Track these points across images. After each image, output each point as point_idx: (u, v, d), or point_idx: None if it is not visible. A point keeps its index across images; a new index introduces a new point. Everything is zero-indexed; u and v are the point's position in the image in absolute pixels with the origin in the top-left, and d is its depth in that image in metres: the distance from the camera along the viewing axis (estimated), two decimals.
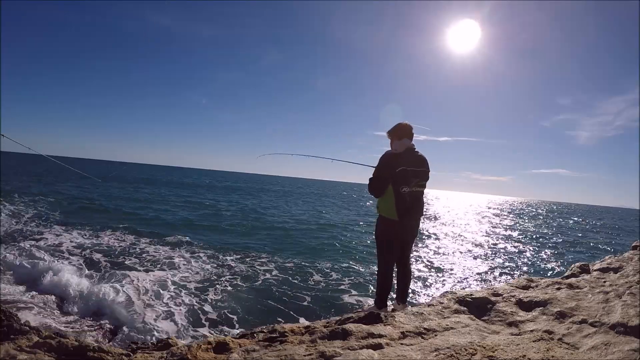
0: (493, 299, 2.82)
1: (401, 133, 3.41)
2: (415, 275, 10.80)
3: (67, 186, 32.01)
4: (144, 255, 11.46)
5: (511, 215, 47.84)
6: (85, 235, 13.37)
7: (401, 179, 3.23)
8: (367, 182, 3.39)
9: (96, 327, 6.48)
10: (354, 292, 9.44)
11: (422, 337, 2.31)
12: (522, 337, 2.24)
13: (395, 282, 3.58)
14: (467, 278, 11.82)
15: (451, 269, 12.70)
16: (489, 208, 66.27)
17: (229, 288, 9.05)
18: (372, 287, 9.90)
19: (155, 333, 6.38)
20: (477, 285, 11.16)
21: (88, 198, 24.62)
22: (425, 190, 3.51)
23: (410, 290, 3.74)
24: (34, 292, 7.54)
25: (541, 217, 49.59)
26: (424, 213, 3.54)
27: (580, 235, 29.37)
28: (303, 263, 12.06)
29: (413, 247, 3.71)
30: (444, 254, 15.24)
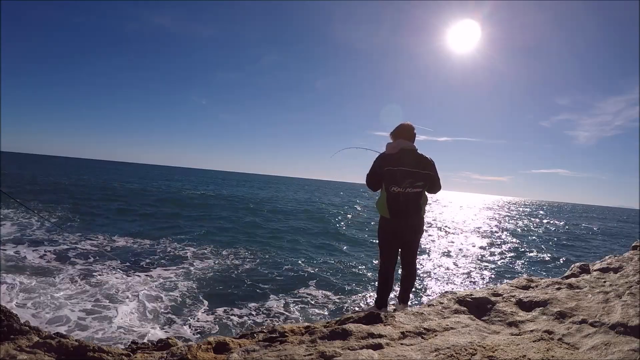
0: (493, 299, 2.82)
1: (398, 134, 3.43)
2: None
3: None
4: (135, 254, 11.47)
5: (511, 216, 47.83)
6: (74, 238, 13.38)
7: (389, 179, 3.26)
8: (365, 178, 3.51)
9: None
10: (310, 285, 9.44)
11: (422, 337, 2.30)
12: (522, 337, 2.24)
13: (399, 282, 3.58)
14: (467, 278, 11.82)
15: (451, 269, 12.70)
16: (489, 208, 66.25)
17: (226, 286, 9.06)
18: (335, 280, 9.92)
19: (155, 333, 6.39)
20: (477, 285, 11.16)
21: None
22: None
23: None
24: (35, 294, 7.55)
25: (541, 218, 49.58)
26: (424, 214, 3.52)
27: (580, 235, 29.36)
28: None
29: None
30: (444, 254, 15.24)
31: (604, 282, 2.89)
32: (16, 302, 6.94)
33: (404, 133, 3.41)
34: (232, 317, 7.47)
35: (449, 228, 25.27)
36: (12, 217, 15.16)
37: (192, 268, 10.48)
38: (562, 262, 15.88)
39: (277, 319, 7.47)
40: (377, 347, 2.16)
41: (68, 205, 20.60)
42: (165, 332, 6.50)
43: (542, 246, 20.42)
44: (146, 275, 9.41)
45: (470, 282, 11.47)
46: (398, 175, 3.24)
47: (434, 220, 30.19)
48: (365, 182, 3.47)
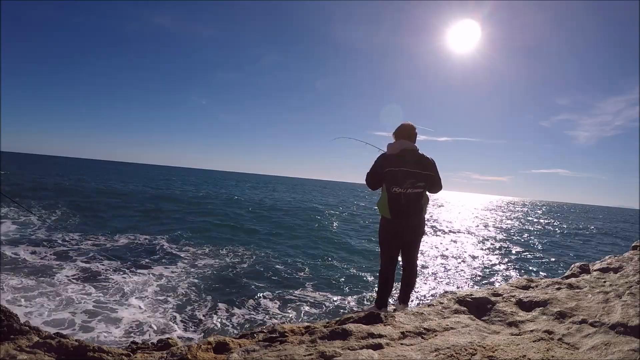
0: (493, 299, 2.82)
1: (399, 134, 3.43)
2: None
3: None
4: (135, 253, 11.47)
5: (511, 216, 47.84)
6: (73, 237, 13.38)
7: (391, 180, 3.26)
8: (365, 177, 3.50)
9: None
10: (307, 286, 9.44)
11: (422, 337, 2.30)
12: (522, 337, 2.24)
13: (400, 282, 3.58)
14: (467, 278, 11.82)
15: (451, 269, 12.70)
16: (489, 208, 66.26)
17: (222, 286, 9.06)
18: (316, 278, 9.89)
19: (155, 333, 6.39)
20: (477, 285, 11.16)
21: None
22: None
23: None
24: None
25: (540, 218, 49.59)
26: (426, 214, 3.52)
27: (579, 235, 29.37)
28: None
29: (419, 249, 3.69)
30: (444, 254, 15.24)
31: (604, 282, 2.89)
32: (16, 303, 6.94)
33: (405, 133, 3.41)
34: (232, 316, 7.47)
35: (449, 228, 25.28)
36: (12, 216, 15.17)
37: (191, 268, 10.48)
38: (561, 262, 15.89)
39: (276, 318, 7.47)
40: (377, 347, 2.17)
41: (67, 204, 20.60)
42: (166, 332, 6.50)
43: (542, 246, 20.43)
44: (146, 275, 9.41)
45: (470, 282, 11.47)
46: (399, 175, 3.23)
47: (434, 220, 30.20)
48: (364, 181, 3.47)
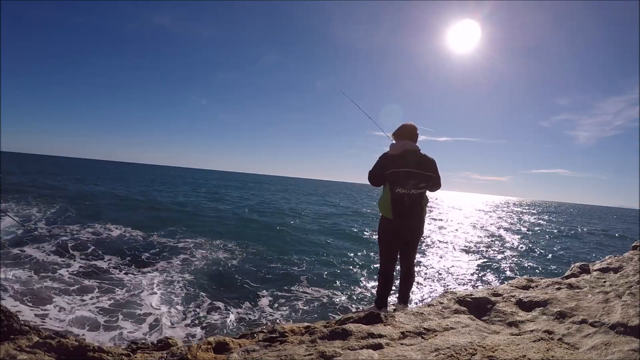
0: (493, 299, 2.82)
1: (401, 134, 3.44)
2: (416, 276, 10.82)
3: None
4: (133, 249, 11.47)
5: (511, 216, 47.86)
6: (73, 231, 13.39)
7: (393, 180, 3.27)
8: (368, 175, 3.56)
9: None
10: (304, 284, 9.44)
11: (422, 337, 2.31)
12: (522, 337, 2.24)
13: (399, 282, 3.59)
14: (467, 278, 11.82)
15: (451, 269, 12.70)
16: (489, 208, 66.27)
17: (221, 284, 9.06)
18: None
19: (155, 332, 6.39)
20: (477, 285, 11.16)
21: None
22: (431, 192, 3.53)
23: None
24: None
25: (540, 218, 49.61)
26: (427, 214, 3.54)
27: (579, 235, 29.38)
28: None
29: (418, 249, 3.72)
30: (444, 254, 15.25)
31: (604, 282, 2.89)
32: (18, 302, 6.93)
33: (406, 134, 3.43)
34: (231, 316, 7.47)
35: (448, 228, 25.28)
36: (13, 208, 15.19)
37: (188, 265, 10.47)
38: (561, 262, 15.89)
39: (275, 317, 7.47)
40: (377, 347, 2.17)
41: (67, 203, 20.58)
42: (165, 331, 6.50)
43: (541, 246, 20.43)
44: (146, 272, 9.41)
45: (470, 282, 11.47)
46: (402, 176, 3.25)
47: (433, 220, 30.21)
48: (367, 179, 3.52)
